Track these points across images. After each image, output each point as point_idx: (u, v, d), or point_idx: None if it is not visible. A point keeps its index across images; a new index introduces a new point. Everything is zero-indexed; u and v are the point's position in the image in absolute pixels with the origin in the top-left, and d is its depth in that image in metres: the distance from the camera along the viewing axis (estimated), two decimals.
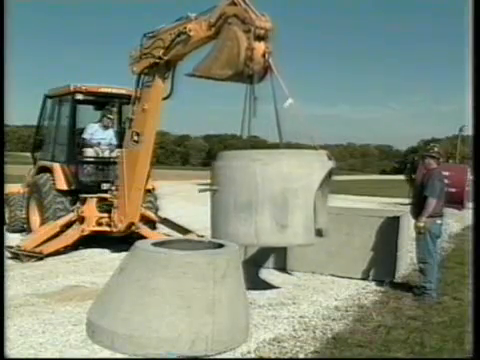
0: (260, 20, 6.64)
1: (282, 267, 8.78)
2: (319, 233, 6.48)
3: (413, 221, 7.63)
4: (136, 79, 8.85)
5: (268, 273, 8.58)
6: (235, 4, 6.83)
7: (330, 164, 6.29)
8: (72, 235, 9.71)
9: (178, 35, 7.75)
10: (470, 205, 21.76)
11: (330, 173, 6.35)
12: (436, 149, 7.68)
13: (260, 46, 6.62)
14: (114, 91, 10.93)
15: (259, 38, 6.62)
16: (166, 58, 8.13)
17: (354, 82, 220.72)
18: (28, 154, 12.78)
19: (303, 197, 6.04)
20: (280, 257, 8.81)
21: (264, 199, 5.93)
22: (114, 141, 11.07)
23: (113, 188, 9.61)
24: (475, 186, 5.69)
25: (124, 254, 5.87)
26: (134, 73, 8.80)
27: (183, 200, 21.81)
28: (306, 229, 6.12)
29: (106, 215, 9.85)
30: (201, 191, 6.61)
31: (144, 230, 9.92)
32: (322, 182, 6.19)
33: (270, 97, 6.69)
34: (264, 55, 6.61)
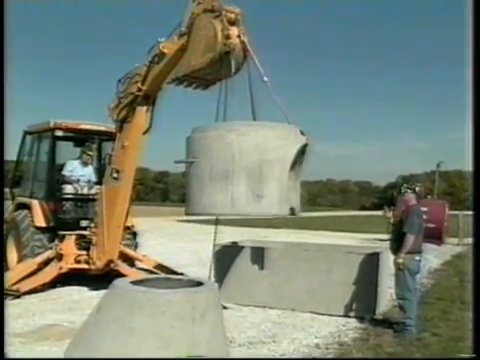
0: (228, 6, 6.87)
1: (261, 305, 8.72)
2: (292, 212, 6.53)
3: (392, 257, 7.68)
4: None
5: (248, 311, 8.53)
6: (200, 2, 7.08)
7: (304, 138, 6.39)
8: (50, 273, 9.57)
9: (152, 61, 7.87)
10: (449, 240, 22.05)
11: (303, 151, 6.44)
12: (417, 189, 7.75)
13: (234, 29, 6.81)
14: (94, 128, 10.96)
15: (231, 23, 6.82)
16: (145, 88, 8.20)
17: (333, 119, 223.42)
18: (6, 190, 12.67)
19: (278, 168, 6.18)
20: (259, 295, 8.76)
21: (240, 169, 6.03)
22: (93, 178, 11.08)
23: (92, 225, 9.54)
24: (474, 203, 5.77)
25: (103, 292, 5.79)
26: (114, 120, 8.89)
27: (163, 237, 21.67)
28: (281, 200, 6.22)
29: (85, 252, 9.73)
30: (177, 163, 6.65)
31: (123, 268, 9.81)
32: (296, 159, 6.29)
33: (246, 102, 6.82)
34: (239, 36, 6.79)
